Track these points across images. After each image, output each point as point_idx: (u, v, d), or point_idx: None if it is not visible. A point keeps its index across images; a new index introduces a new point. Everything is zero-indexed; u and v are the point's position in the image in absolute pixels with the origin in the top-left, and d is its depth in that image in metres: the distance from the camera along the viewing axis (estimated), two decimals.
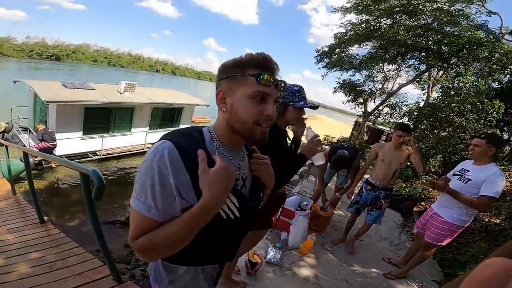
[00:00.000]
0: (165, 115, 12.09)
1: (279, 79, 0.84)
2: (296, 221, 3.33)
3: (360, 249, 3.67)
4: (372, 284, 3.01)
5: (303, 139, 1.77)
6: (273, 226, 3.43)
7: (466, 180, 2.47)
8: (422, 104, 10.84)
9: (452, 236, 2.64)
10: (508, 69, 9.18)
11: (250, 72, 0.81)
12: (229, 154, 0.91)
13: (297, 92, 1.70)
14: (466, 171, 2.53)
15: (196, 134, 0.87)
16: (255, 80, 0.80)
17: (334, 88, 14.93)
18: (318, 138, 1.64)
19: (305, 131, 1.74)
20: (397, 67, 14.77)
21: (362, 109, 14.62)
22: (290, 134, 1.87)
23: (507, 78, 9.75)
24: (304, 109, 1.71)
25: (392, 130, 2.89)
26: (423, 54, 11.84)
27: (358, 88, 14.46)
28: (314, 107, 1.69)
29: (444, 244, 2.71)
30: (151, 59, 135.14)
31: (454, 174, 2.66)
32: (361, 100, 14.63)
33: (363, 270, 3.23)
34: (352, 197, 3.50)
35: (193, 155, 0.79)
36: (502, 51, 9.45)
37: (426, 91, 13.38)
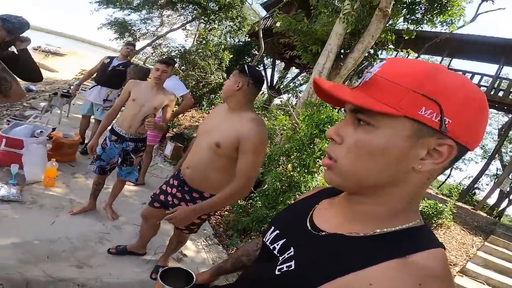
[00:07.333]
0: None
1: None
2: (27, 150, 2.94)
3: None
4: None
5: None
6: None
7: None
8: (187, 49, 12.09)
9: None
10: (243, 30, 11.84)
11: None
12: None
13: None
14: None
15: None
16: None
17: (101, 24, 14.39)
18: None
19: None
20: (172, 13, 15.45)
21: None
22: None
23: (244, 38, 12.68)
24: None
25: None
26: (192, 6, 12.79)
27: (130, 28, 14.66)
28: None
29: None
30: None
31: None
32: (130, 39, 14.69)
33: None
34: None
35: None
36: (243, 15, 11.93)
37: (192, 39, 14.89)
